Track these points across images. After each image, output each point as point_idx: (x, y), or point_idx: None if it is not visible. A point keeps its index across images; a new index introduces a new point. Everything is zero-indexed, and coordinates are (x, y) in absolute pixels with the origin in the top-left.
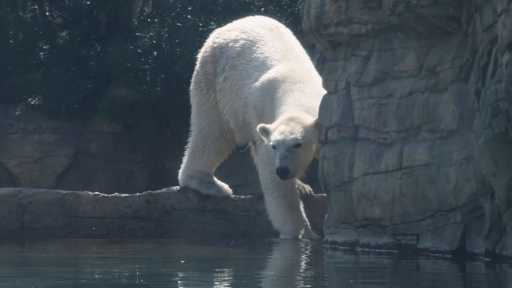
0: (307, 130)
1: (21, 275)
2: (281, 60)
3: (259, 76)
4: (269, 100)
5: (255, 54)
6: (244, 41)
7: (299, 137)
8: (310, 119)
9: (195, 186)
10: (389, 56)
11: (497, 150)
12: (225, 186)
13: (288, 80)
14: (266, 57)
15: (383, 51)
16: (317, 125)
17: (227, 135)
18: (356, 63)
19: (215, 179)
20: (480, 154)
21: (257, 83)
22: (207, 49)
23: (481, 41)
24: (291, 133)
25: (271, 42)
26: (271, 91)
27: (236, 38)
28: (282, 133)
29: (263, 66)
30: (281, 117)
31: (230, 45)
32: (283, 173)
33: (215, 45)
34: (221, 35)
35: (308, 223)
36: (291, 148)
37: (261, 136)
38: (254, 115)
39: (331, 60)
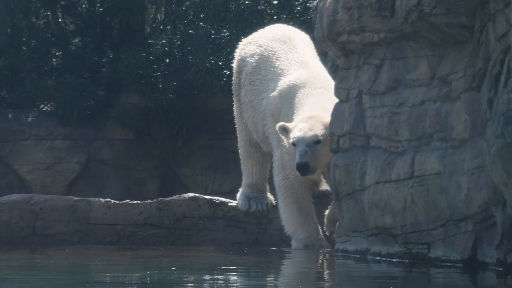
0: (326, 127)
1: (32, 281)
2: (297, 70)
3: (275, 86)
4: (287, 105)
5: (270, 69)
6: (258, 56)
7: (319, 134)
8: (330, 117)
9: (238, 205)
10: (402, 64)
11: (509, 160)
12: (268, 200)
13: (308, 85)
14: (282, 69)
15: (395, 60)
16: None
17: (254, 142)
18: (368, 72)
19: (259, 190)
20: (492, 163)
21: (275, 92)
22: (234, 61)
23: (494, 50)
24: (311, 130)
25: (284, 55)
26: (290, 96)
27: (253, 52)
28: (301, 129)
29: (279, 77)
30: (301, 116)
31: (247, 59)
32: (303, 168)
33: (239, 57)
34: (244, 47)
35: (321, 231)
36: (311, 144)
37: (281, 135)
38: (272, 123)
39: (343, 69)
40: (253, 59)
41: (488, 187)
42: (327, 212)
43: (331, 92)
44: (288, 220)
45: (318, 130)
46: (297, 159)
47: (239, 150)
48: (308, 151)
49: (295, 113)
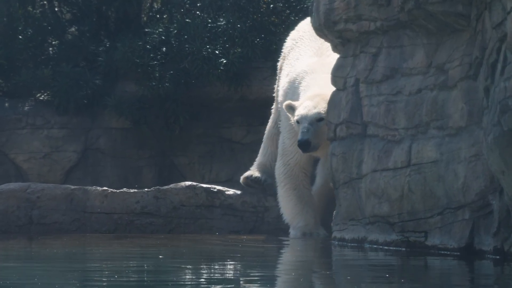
0: None
1: (29, 270)
2: (312, 57)
3: (290, 71)
4: (292, 91)
5: (295, 53)
6: (292, 40)
7: (322, 111)
8: None
9: (240, 180)
10: (398, 53)
11: (506, 148)
12: (269, 179)
13: (316, 71)
14: (300, 55)
15: (392, 48)
16: (326, 121)
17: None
18: (365, 60)
19: (265, 172)
20: (489, 152)
21: (287, 77)
22: (283, 50)
23: (490, 39)
24: (315, 108)
25: (309, 40)
26: (298, 81)
27: (292, 38)
28: (305, 107)
29: (295, 62)
30: (307, 94)
31: (287, 45)
32: (304, 145)
33: (286, 44)
34: (291, 34)
35: (318, 220)
36: (314, 122)
37: (287, 113)
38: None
39: (340, 57)
40: (289, 44)
41: (485, 175)
42: None
43: None
44: (286, 207)
45: (322, 108)
46: (299, 136)
47: (266, 128)
48: (310, 128)
49: (303, 96)
